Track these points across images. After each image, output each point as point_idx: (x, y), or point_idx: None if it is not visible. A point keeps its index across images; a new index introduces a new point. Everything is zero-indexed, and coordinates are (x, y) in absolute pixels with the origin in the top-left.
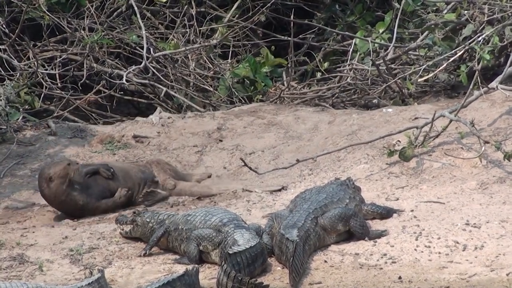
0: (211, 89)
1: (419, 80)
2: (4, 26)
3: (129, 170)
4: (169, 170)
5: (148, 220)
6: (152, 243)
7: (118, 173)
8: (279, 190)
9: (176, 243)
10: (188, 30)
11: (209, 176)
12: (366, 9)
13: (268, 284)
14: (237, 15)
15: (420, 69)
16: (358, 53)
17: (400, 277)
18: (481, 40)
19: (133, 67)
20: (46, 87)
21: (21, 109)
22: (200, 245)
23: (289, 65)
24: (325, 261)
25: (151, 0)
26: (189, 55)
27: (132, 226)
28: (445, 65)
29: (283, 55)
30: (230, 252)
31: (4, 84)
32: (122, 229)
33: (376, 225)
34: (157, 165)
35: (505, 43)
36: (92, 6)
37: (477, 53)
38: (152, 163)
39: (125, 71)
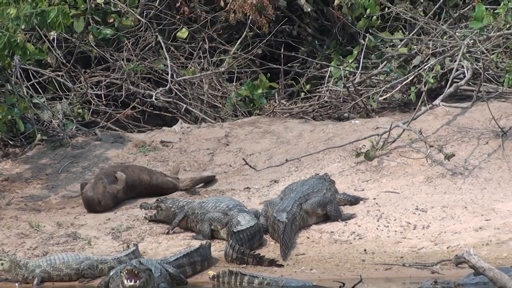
0: (220, 105)
1: (379, 98)
2: (62, 57)
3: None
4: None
5: (170, 205)
6: (175, 224)
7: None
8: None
9: (193, 224)
10: (202, 60)
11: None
12: (339, 44)
13: (264, 255)
14: (240, 49)
15: (380, 90)
16: (333, 78)
17: (365, 250)
18: (427, 68)
19: (160, 88)
20: (93, 104)
21: (74, 121)
22: (212, 225)
23: (279, 87)
24: (308, 238)
25: (174, 37)
26: (203, 79)
27: (156, 210)
28: (399, 87)
29: (275, 79)
30: (235, 231)
31: (61, 102)
32: (146, 214)
33: (347, 209)
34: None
35: (445, 70)
36: (129, 42)
37: (423, 78)
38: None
39: (154, 92)
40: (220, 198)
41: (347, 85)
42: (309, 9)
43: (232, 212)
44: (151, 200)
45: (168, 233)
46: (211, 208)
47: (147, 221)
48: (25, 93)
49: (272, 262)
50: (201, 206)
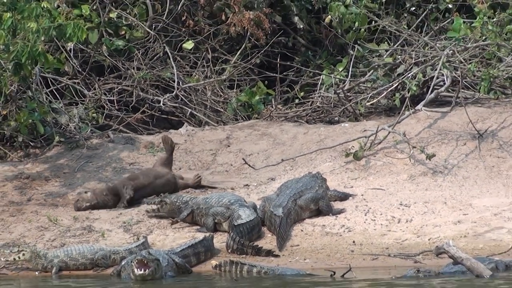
0: (222, 110)
1: (367, 104)
2: (78, 66)
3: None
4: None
5: (175, 200)
6: (182, 217)
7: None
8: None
9: (198, 218)
10: (206, 69)
11: (199, 177)
12: (330, 54)
13: (262, 246)
14: (240, 59)
15: (368, 96)
16: (324, 85)
17: (354, 241)
18: (410, 76)
19: (168, 94)
20: (107, 109)
21: (89, 124)
22: (215, 219)
23: (276, 94)
24: (302, 230)
25: (180, 48)
26: (206, 86)
27: (160, 205)
28: (385, 93)
29: (272, 86)
30: (235, 224)
31: (77, 107)
32: (148, 209)
33: (337, 205)
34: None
35: (426, 78)
36: (139, 52)
37: (407, 85)
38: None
39: (162, 98)
40: (223, 194)
41: (338, 91)
42: (301, 26)
43: (233, 207)
44: None
45: (174, 222)
46: (215, 203)
47: (151, 215)
48: (45, 99)
49: (269, 253)
50: (206, 202)
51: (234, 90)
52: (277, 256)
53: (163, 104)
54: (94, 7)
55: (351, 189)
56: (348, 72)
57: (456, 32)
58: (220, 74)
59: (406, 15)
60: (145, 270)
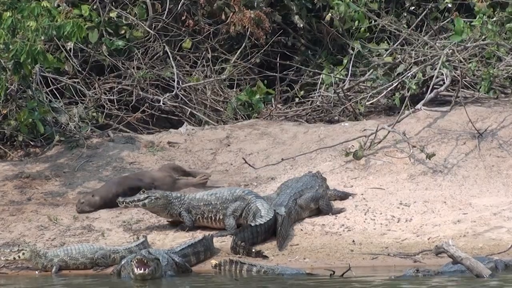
0: (222, 109)
1: (367, 103)
2: (78, 65)
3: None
4: (181, 170)
5: (166, 194)
6: (190, 225)
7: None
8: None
9: (211, 215)
10: (205, 68)
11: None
12: (330, 54)
13: (251, 247)
14: (240, 58)
15: (368, 96)
16: (324, 85)
17: (353, 241)
18: (410, 76)
19: (167, 94)
20: (107, 108)
21: (89, 123)
22: (235, 216)
23: (276, 93)
24: (301, 230)
25: (180, 47)
26: (206, 86)
27: (148, 200)
28: (384, 93)
29: (272, 86)
30: (252, 224)
31: (77, 106)
32: (129, 202)
33: (337, 204)
34: (173, 168)
35: (426, 77)
36: (139, 51)
37: (407, 85)
38: (170, 167)
39: (162, 97)
40: (231, 187)
41: (337, 91)
42: (301, 25)
43: (249, 197)
44: None
45: (187, 231)
46: (228, 195)
47: (156, 215)
48: (45, 98)
49: (258, 254)
50: (217, 197)
51: (234, 89)
52: (265, 257)
53: (163, 104)
54: (94, 6)
55: (351, 188)
56: (348, 71)
57: (459, 35)
58: (220, 74)
59: (405, 14)
60: (145, 270)
